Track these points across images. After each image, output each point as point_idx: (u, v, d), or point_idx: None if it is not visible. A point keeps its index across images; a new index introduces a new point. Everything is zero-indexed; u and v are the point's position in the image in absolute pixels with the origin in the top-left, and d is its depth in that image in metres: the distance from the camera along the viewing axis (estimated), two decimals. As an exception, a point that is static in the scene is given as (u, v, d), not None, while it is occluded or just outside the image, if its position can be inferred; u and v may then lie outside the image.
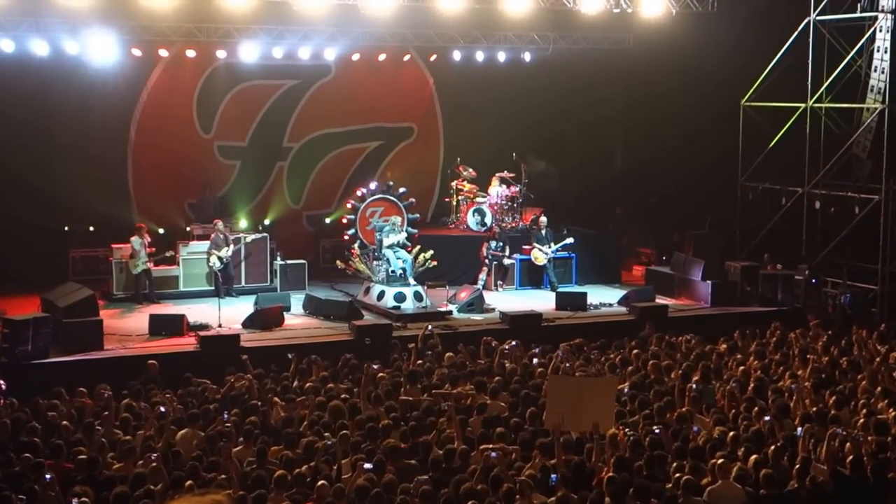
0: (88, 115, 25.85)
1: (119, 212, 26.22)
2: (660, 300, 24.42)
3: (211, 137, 27.73)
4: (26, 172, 24.94)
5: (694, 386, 15.92)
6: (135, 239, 23.93)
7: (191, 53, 26.58)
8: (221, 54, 26.81)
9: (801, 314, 22.99)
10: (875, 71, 25.75)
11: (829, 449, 12.99)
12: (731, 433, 13.84)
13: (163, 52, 26.38)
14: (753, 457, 12.84)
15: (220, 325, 21.57)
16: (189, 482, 12.04)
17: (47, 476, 12.04)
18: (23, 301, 22.15)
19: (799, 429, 13.65)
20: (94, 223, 26.05)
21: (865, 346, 19.05)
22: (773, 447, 13.06)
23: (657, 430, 13.78)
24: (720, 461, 12.39)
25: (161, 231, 25.99)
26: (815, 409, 14.87)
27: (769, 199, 27.24)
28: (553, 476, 12.29)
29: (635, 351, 18.61)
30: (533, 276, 26.27)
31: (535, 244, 25.87)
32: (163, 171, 27.09)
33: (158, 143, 27.04)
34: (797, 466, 12.53)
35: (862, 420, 14.36)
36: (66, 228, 25.97)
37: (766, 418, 14.20)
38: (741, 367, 17.40)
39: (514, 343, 19.07)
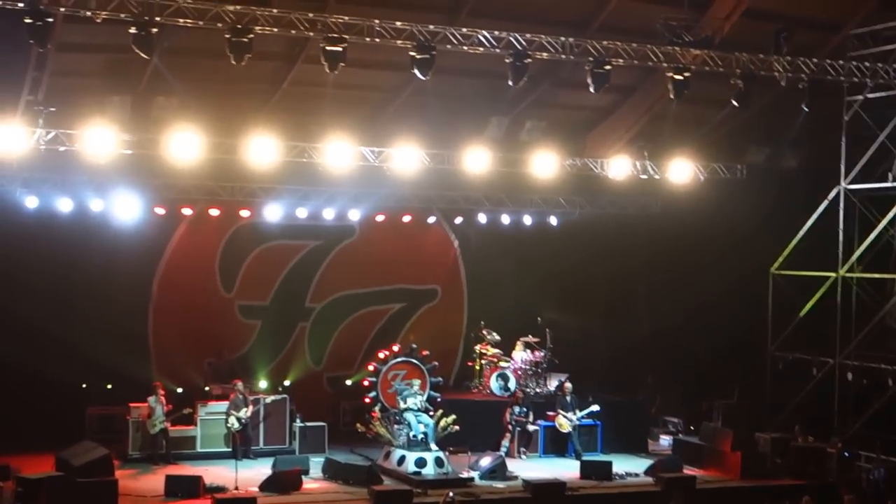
0: (111, 271, 25.87)
1: (137, 370, 25.89)
2: (688, 471, 23.92)
3: (232, 296, 27.75)
4: (47, 327, 24.78)
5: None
6: (152, 398, 23.80)
7: (214, 212, 26.76)
8: (245, 213, 27.06)
9: (833, 488, 22.50)
10: (906, 241, 25.60)
11: None
12: None
13: (186, 211, 26.53)
14: None
15: (236, 488, 21.23)
16: None
17: None
18: (37, 459, 21.79)
19: None
20: (113, 380, 25.73)
21: (901, 522, 18.44)
22: None
23: None
24: None
25: (179, 390, 25.71)
26: None
27: (800, 369, 26.80)
28: None
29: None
30: (557, 444, 25.78)
31: (560, 411, 25.47)
32: (183, 329, 27.00)
33: (180, 300, 27.05)
34: None
35: None
36: (84, 386, 25.69)
37: None
38: None
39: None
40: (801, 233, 26.57)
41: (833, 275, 26.09)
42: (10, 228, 24.40)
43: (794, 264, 26.91)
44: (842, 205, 25.96)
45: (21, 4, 17.56)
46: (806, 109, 23.17)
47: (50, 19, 17.71)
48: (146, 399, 23.81)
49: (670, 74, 21.55)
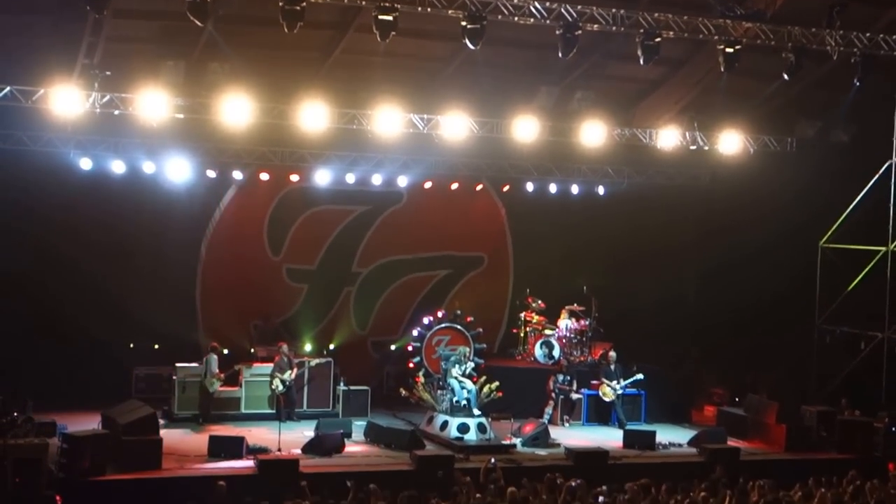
0: (161, 233, 26.13)
1: (184, 330, 26.34)
2: (731, 442, 23.84)
3: (280, 260, 27.96)
4: (96, 288, 25.20)
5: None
6: (213, 357, 24.11)
7: (264, 176, 26.92)
8: (295, 178, 27.24)
9: (880, 463, 22.25)
10: (956, 216, 25.36)
11: None
12: None
13: (237, 175, 26.68)
14: None
15: (279, 450, 21.37)
16: None
17: None
18: (84, 417, 22.12)
19: None
20: (160, 341, 26.16)
21: (948, 498, 18.30)
22: None
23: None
24: None
25: (225, 352, 25.84)
26: None
27: (847, 342, 26.66)
28: None
29: (703, 494, 18.07)
30: (601, 413, 25.83)
31: (604, 379, 25.49)
32: (231, 291, 27.27)
33: (228, 263, 27.34)
34: None
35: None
36: (132, 345, 26.05)
37: None
38: None
39: (578, 481, 18.59)
40: (851, 206, 26.36)
41: (883, 249, 25.91)
42: (63, 189, 24.77)
43: (844, 238, 26.71)
44: (893, 179, 25.68)
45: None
46: (858, 84, 22.96)
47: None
48: (204, 358, 24.16)
49: (721, 47, 21.42)
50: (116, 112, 22.54)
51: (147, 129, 23.53)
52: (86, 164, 24.83)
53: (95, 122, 23.23)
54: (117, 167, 25.14)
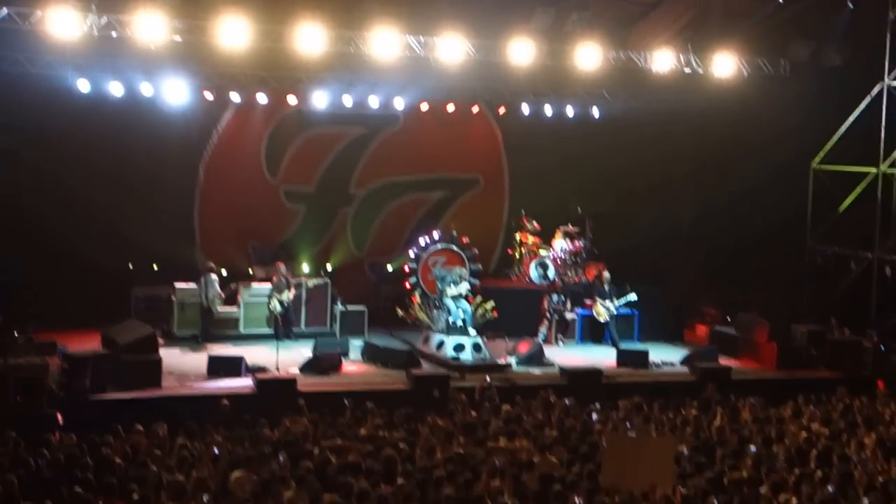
0: (159, 155, 26.12)
1: (183, 251, 26.49)
2: (723, 361, 24.16)
3: (278, 182, 28.06)
4: (95, 209, 25.30)
5: (755, 450, 15.67)
6: (213, 277, 24.41)
7: (262, 98, 26.86)
8: (292, 100, 27.17)
9: (868, 381, 22.67)
10: (948, 138, 25.52)
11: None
12: (794, 500, 13.50)
13: (234, 97, 26.67)
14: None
15: (277, 369, 21.68)
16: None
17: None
18: (84, 337, 22.49)
19: (865, 500, 13.32)
20: (158, 262, 26.31)
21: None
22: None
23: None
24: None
25: (224, 272, 26.04)
26: (881, 479, 14.47)
27: (838, 263, 26.98)
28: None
29: (695, 412, 18.43)
30: (594, 332, 26.17)
31: (598, 299, 25.76)
32: (229, 212, 27.39)
33: (226, 185, 27.41)
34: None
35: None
36: (131, 266, 26.20)
37: (830, 488, 13.83)
38: (804, 433, 17.06)
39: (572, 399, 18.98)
40: (843, 128, 26.50)
41: (874, 170, 26.12)
42: (62, 112, 24.70)
43: (836, 159, 26.91)
44: (885, 101, 25.84)
45: None
46: (851, 6, 22.99)
47: None
48: (203, 278, 24.46)
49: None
50: (114, 34, 22.48)
51: (145, 51, 23.47)
52: (84, 86, 24.79)
53: (94, 45, 23.11)
54: (115, 90, 25.06)
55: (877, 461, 15.52)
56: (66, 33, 22.12)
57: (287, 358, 22.28)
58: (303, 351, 23.11)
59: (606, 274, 26.12)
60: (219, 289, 24.40)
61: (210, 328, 24.51)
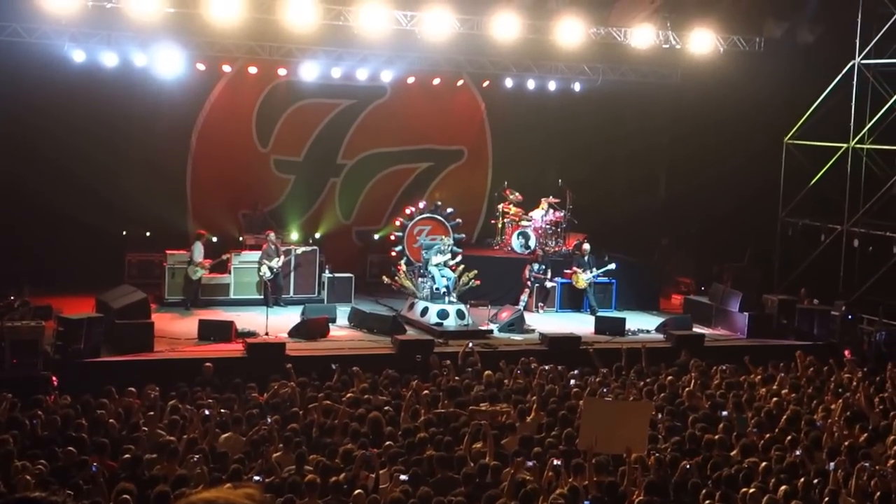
0: (152, 124, 26.50)
1: (175, 219, 26.84)
2: (697, 329, 24.66)
3: (268, 151, 28.36)
4: (89, 176, 25.65)
5: (725, 414, 16.21)
6: (198, 245, 24.61)
7: (253, 70, 27.23)
8: (282, 72, 27.50)
9: (836, 349, 23.06)
10: (917, 115, 26.04)
11: (858, 484, 13.00)
12: (763, 464, 13.80)
13: (226, 68, 27.07)
14: (783, 488, 12.77)
15: (266, 333, 21.99)
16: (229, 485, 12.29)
17: (94, 466, 12.48)
18: (78, 301, 22.75)
19: (831, 464, 13.60)
20: (151, 229, 26.63)
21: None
22: (803, 479, 13.09)
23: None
24: (752, 491, 12.47)
25: (214, 239, 26.33)
26: (846, 443, 14.88)
27: (808, 235, 27.45)
28: (586, 502, 12.48)
29: (670, 378, 18.99)
30: (573, 300, 26.59)
31: (577, 269, 26.19)
32: (220, 181, 27.68)
33: (217, 154, 27.71)
34: (826, 500, 12.52)
35: (893, 459, 14.30)
36: (124, 233, 26.53)
37: (798, 452, 14.26)
38: (774, 399, 17.54)
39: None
40: (815, 105, 26.93)
41: (844, 145, 26.61)
42: (57, 81, 25.03)
43: (808, 135, 27.34)
44: (855, 79, 26.38)
45: None
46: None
47: None
48: (190, 245, 24.73)
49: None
50: (108, 5, 22.79)
51: (139, 22, 23.84)
52: (79, 56, 25.02)
53: (89, 15, 23.46)
54: (110, 59, 25.32)
55: (842, 427, 15.99)
56: (61, 4, 22.53)
57: (276, 323, 22.56)
58: (291, 316, 23.45)
59: (587, 245, 26.48)
60: (200, 257, 24.48)
61: (197, 295, 24.75)
